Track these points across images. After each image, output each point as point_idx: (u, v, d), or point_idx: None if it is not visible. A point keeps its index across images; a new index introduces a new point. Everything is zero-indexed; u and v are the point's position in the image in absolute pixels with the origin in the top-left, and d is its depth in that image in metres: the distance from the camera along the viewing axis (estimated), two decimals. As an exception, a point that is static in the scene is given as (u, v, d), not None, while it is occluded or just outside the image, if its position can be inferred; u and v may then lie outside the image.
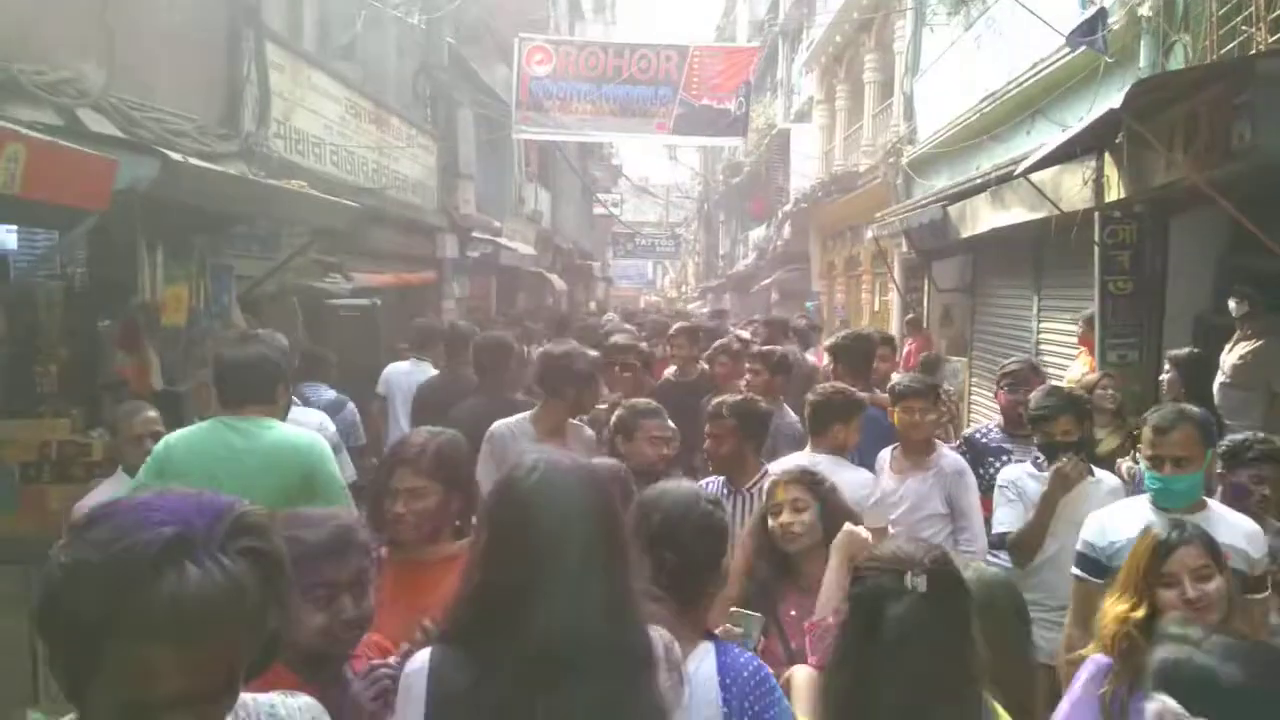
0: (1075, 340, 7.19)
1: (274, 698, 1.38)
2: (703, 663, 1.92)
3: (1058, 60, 7.68)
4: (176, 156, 4.44)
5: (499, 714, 1.64)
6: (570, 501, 1.71)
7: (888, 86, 15.35)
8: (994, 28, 9.62)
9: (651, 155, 39.83)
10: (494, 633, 1.66)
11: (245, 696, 1.31)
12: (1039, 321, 8.71)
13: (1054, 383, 4.98)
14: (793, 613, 2.66)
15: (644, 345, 6.81)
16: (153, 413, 3.73)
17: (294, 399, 4.31)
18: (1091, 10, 6.58)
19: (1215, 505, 3.13)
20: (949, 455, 4.15)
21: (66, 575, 1.07)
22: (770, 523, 2.82)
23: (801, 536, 2.78)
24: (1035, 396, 3.92)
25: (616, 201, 32.22)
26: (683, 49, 14.63)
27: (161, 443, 3.32)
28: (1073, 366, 7.03)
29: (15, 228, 5.34)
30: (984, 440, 4.73)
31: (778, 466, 3.55)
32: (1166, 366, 5.10)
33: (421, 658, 1.76)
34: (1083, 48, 6.52)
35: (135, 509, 1.11)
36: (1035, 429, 3.84)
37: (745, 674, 1.91)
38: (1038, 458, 3.87)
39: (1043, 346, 8.54)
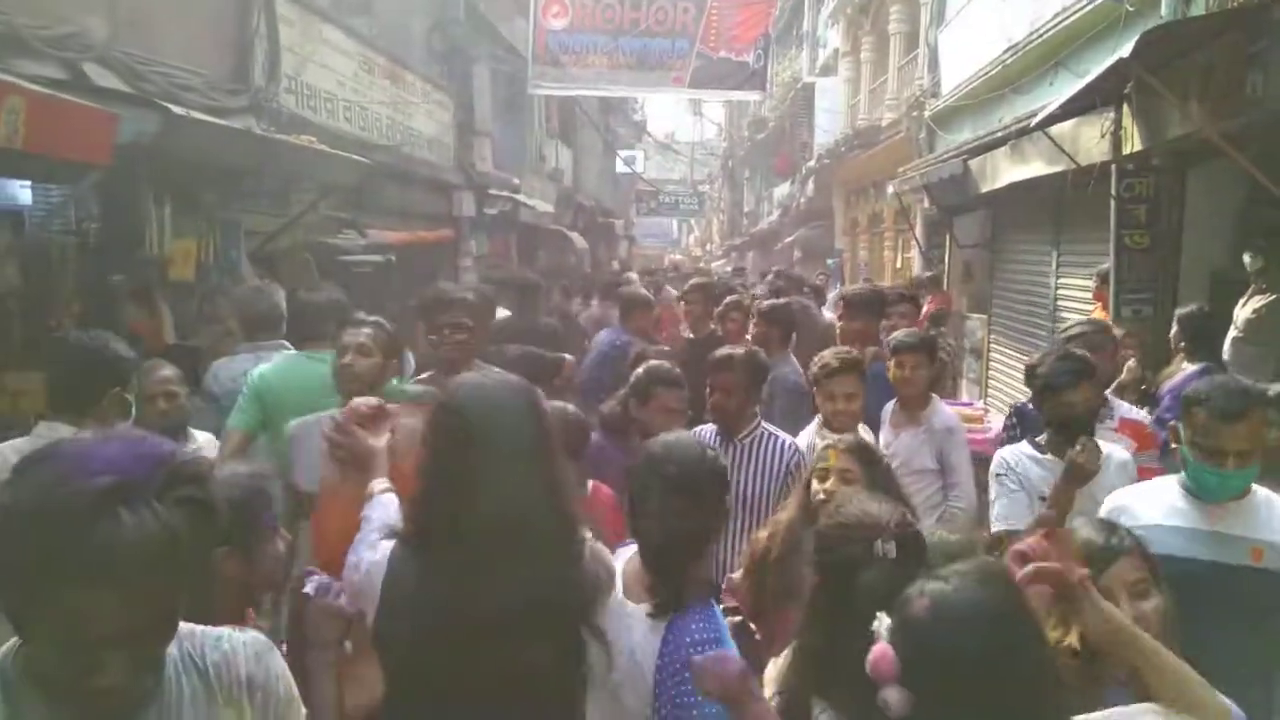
0: (1091, 296, 7.10)
1: (222, 630, 1.42)
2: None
3: (1080, 9, 7.50)
4: (179, 110, 4.47)
5: (442, 604, 1.83)
6: (498, 408, 1.93)
7: (913, 38, 15.06)
8: (1019, -25, 9.39)
9: (676, 111, 39.44)
10: (438, 532, 1.87)
11: (192, 628, 1.36)
12: (1058, 277, 8.60)
13: (1065, 342, 4.29)
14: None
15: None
16: (167, 371, 3.61)
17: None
18: (1111, -44, 6.39)
19: (1260, 491, 2.64)
20: (942, 412, 4.14)
21: (4, 517, 1.10)
22: (815, 485, 2.81)
23: None
24: (1049, 362, 3.39)
25: (640, 158, 31.98)
26: (700, 1, 14.42)
27: (256, 374, 3.71)
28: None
29: (29, 183, 5.40)
30: (1036, 412, 4.30)
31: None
32: (1174, 324, 4.98)
33: (383, 550, 1.94)
34: (1102, -4, 6.33)
35: (76, 455, 1.14)
36: (1047, 400, 3.31)
37: (685, 646, 1.98)
38: (1036, 437, 3.41)
39: (1060, 303, 8.44)
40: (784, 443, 3.64)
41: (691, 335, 6.34)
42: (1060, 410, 3.26)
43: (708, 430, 3.78)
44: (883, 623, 1.52)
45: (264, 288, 4.73)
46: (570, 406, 3.39)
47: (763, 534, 2.96)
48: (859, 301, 5.51)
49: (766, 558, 2.84)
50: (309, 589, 1.95)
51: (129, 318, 5.58)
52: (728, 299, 6.46)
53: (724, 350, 3.90)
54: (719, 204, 43.42)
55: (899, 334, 4.41)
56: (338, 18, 9.08)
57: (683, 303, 6.79)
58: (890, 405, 4.34)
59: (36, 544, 1.08)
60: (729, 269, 25.96)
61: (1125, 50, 4.67)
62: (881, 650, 1.47)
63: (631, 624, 2.08)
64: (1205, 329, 4.92)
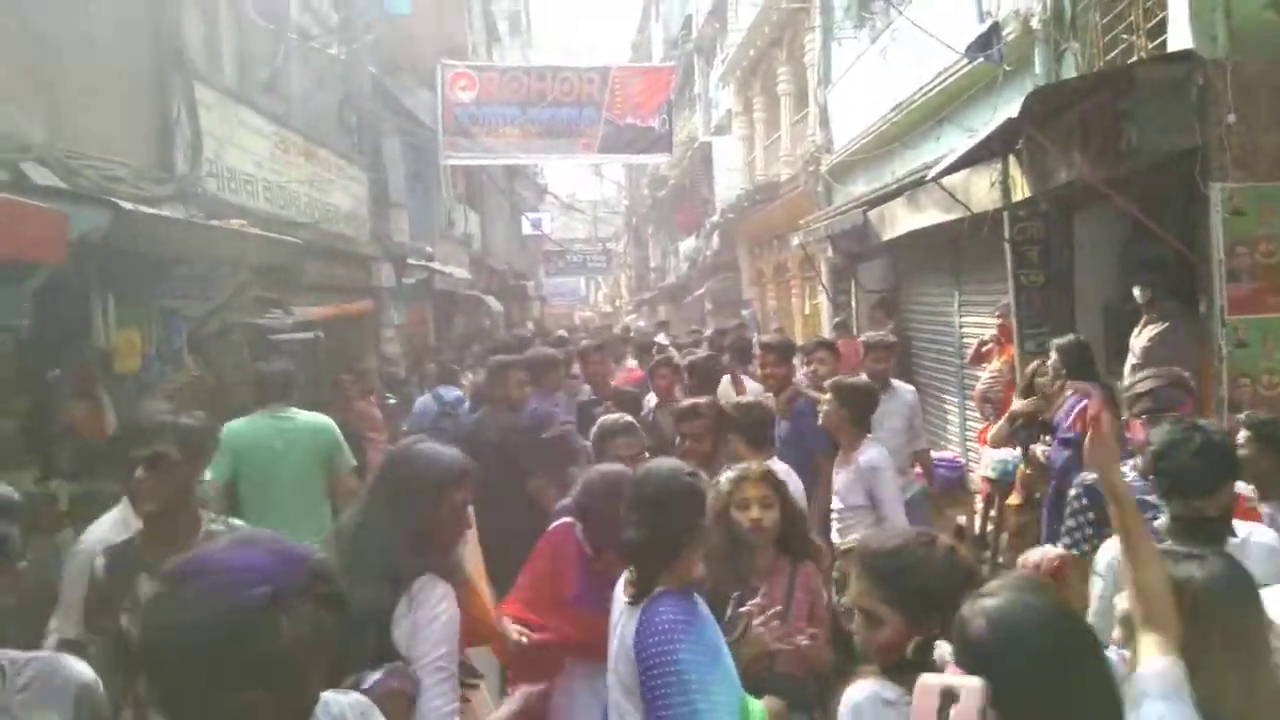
0: (995, 330, 7.60)
1: (327, 695, 1.55)
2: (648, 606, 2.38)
3: (960, 70, 8.12)
4: (127, 205, 4.53)
5: None
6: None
7: (802, 98, 15.78)
8: (899, 40, 10.07)
9: (577, 172, 40.09)
10: None
11: None
12: (960, 315, 9.14)
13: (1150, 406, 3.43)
14: (761, 592, 2.92)
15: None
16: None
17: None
18: (987, 25, 7.02)
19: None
20: (868, 451, 4.44)
21: (173, 628, 1.20)
22: (736, 515, 3.11)
23: (767, 531, 3.10)
24: (1171, 438, 2.61)
25: (546, 219, 32.37)
26: (604, 70, 14.95)
27: (226, 430, 4.18)
28: (993, 363, 7.48)
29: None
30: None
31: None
32: (1052, 354, 5.27)
33: None
34: (979, 60, 6.95)
35: (229, 567, 1.25)
36: (1174, 500, 2.56)
37: (659, 624, 2.31)
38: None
39: (965, 339, 8.97)
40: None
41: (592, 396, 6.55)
42: (1191, 514, 2.54)
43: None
44: (942, 650, 1.67)
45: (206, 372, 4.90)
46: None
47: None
48: (777, 347, 5.97)
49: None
50: (378, 675, 2.07)
51: (71, 411, 5.50)
52: (658, 357, 6.80)
53: (688, 400, 4.16)
54: (625, 260, 44.11)
55: (765, 336, 4.90)
56: (251, 98, 9.14)
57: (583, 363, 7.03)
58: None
59: (205, 653, 1.18)
60: (641, 322, 26.39)
61: (1014, 111, 5.18)
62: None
63: (621, 612, 2.49)
64: (1081, 355, 5.22)
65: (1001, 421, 6.03)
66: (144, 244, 5.04)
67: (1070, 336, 5.39)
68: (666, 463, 2.68)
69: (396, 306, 13.04)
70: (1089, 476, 3.19)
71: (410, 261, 13.32)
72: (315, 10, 12.02)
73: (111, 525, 3.23)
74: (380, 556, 2.34)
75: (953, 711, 1.13)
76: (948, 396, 9.63)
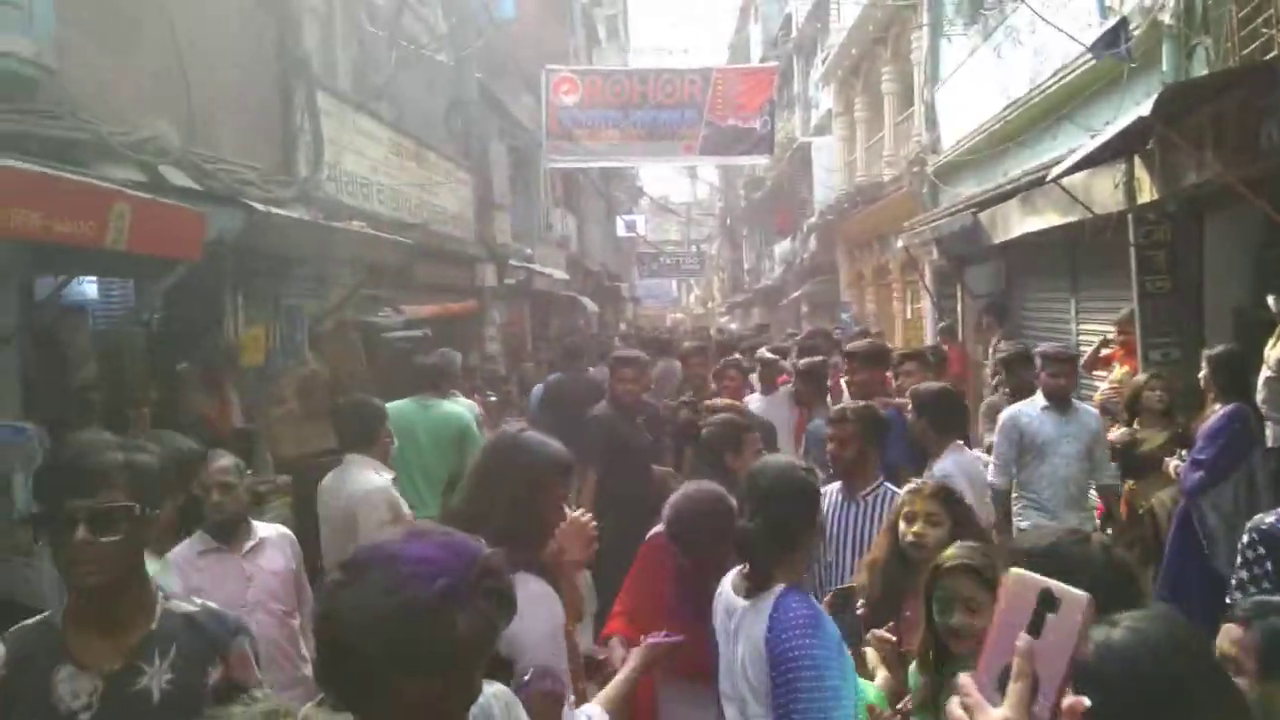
0: (1115, 336, 7.29)
1: None
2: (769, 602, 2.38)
3: (1081, 66, 7.81)
4: (260, 207, 4.72)
5: None
6: None
7: (906, 97, 15.45)
8: (1013, 36, 9.75)
9: (671, 174, 40.17)
10: None
11: None
12: (1078, 324, 8.80)
13: None
14: (906, 614, 2.85)
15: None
16: (224, 461, 3.47)
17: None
18: (1113, 20, 6.74)
19: None
20: (944, 461, 4.23)
21: (352, 617, 1.24)
22: (902, 528, 3.03)
23: (930, 549, 2.91)
24: None
25: (640, 221, 32.52)
26: (706, 72, 14.92)
27: (392, 408, 4.66)
28: (1113, 367, 7.15)
29: (95, 280, 5.65)
30: None
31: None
32: (1204, 365, 5.05)
33: None
34: (1104, 56, 6.68)
35: (410, 558, 1.27)
36: None
37: (792, 620, 2.31)
38: None
39: (1083, 349, 8.62)
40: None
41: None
42: None
43: (832, 488, 3.90)
44: None
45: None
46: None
47: (859, 578, 3.14)
48: (862, 354, 5.67)
49: (865, 597, 3.04)
50: (527, 677, 2.07)
51: (198, 404, 5.78)
52: (725, 359, 6.80)
53: (841, 404, 4.09)
54: (719, 262, 43.98)
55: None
56: (366, 105, 9.46)
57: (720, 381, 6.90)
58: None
59: (384, 644, 1.22)
60: (734, 325, 26.27)
61: (1145, 109, 4.95)
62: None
63: (736, 613, 2.49)
64: (1236, 369, 4.95)
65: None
66: (272, 244, 5.26)
67: (1223, 347, 5.06)
68: (780, 459, 2.71)
69: (498, 306, 13.29)
70: (1267, 520, 2.91)
71: (512, 263, 13.56)
72: (425, 19, 12.37)
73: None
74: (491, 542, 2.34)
75: (1049, 618, 0.94)
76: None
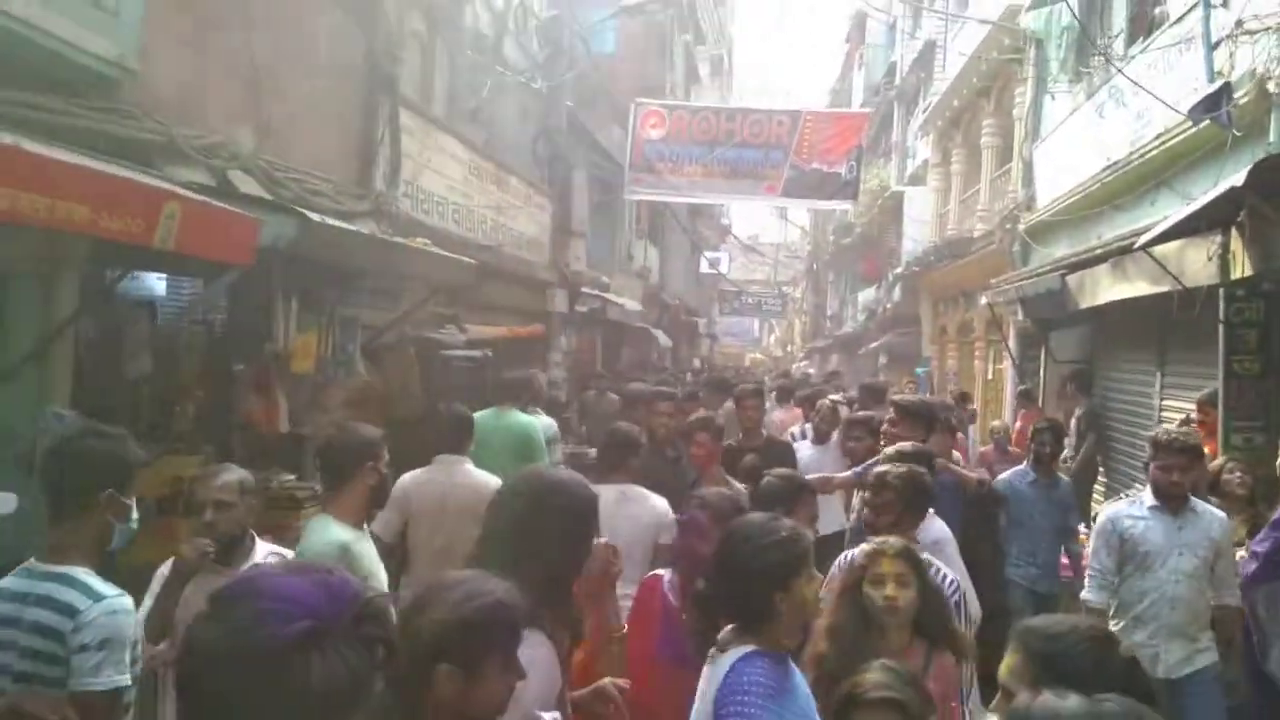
0: (1195, 420, 6.87)
1: None
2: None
3: (1183, 132, 7.47)
4: (315, 217, 4.78)
5: None
6: None
7: (1006, 151, 15.09)
8: (1116, 96, 9.42)
9: (761, 215, 40.07)
10: None
11: None
12: (1161, 399, 8.35)
13: None
14: None
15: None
16: (227, 478, 3.16)
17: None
18: (1217, 85, 6.41)
19: None
20: (929, 529, 3.94)
21: (205, 652, 1.16)
22: (869, 591, 2.89)
23: (902, 611, 2.85)
24: None
25: (725, 259, 32.44)
26: (795, 114, 14.80)
27: (478, 416, 5.03)
28: (1195, 448, 6.70)
29: (165, 276, 5.80)
30: None
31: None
32: None
33: None
34: (1206, 121, 6.34)
35: (275, 595, 1.18)
36: None
37: (744, 684, 2.19)
38: None
39: (1165, 425, 8.17)
40: (944, 576, 3.52)
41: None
42: None
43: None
44: None
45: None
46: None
47: (817, 646, 2.93)
48: (909, 409, 5.41)
49: (822, 666, 2.83)
50: None
51: (248, 406, 5.86)
52: (744, 387, 6.69)
53: (880, 469, 3.89)
54: (801, 305, 43.56)
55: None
56: (453, 126, 9.62)
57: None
58: None
59: (235, 682, 1.13)
60: (809, 371, 25.87)
61: (1238, 179, 4.65)
62: None
63: (706, 669, 2.37)
64: None
65: None
66: (328, 254, 5.31)
67: None
68: (761, 517, 2.53)
69: (566, 332, 13.31)
70: None
71: (584, 290, 13.59)
72: (526, 46, 12.59)
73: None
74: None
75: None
76: (1138, 484, 8.77)
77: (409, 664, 1.68)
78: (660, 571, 3.08)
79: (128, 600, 2.43)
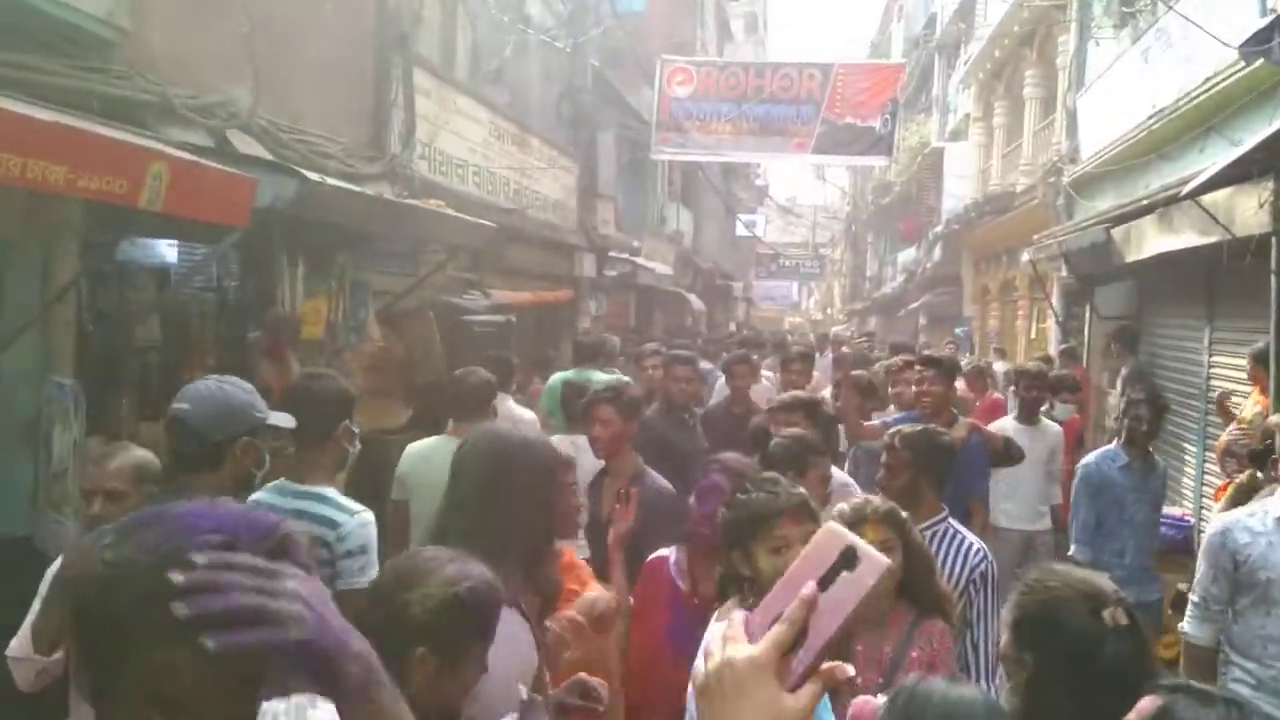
0: (1246, 376, 6.54)
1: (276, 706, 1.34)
2: None
3: (1234, 74, 7.08)
4: (314, 176, 4.64)
5: None
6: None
7: (1049, 102, 14.61)
8: (1163, 39, 8.99)
9: (799, 175, 39.44)
10: None
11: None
12: (1210, 355, 8.00)
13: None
14: (859, 648, 2.52)
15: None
16: (120, 461, 2.64)
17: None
18: (1269, 19, 6.01)
19: None
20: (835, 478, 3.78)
21: (110, 575, 1.05)
22: None
23: (888, 579, 2.61)
24: None
25: (761, 222, 31.97)
26: (826, 67, 14.34)
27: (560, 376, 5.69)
28: (1244, 406, 6.39)
29: (176, 242, 5.72)
30: None
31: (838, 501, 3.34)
32: None
33: None
34: (1260, 60, 5.94)
35: (183, 516, 1.09)
36: None
37: None
38: None
39: (1214, 383, 7.84)
40: (970, 545, 3.34)
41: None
42: None
43: None
44: None
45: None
46: None
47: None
48: (941, 363, 5.22)
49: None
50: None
51: (262, 372, 5.79)
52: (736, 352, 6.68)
53: (894, 429, 3.69)
54: (840, 267, 42.92)
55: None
56: (472, 87, 9.42)
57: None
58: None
59: (131, 600, 1.03)
60: (849, 332, 25.48)
61: (1292, 117, 4.32)
62: None
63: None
64: None
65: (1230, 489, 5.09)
66: (333, 216, 5.19)
67: None
68: (757, 478, 2.37)
69: (596, 297, 13.15)
70: None
71: (613, 254, 13.39)
72: (549, 3, 12.32)
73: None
74: (480, 557, 2.08)
75: (843, 575, 0.89)
76: (1186, 445, 8.46)
77: (385, 645, 1.57)
78: (665, 552, 2.88)
79: (370, 515, 2.79)
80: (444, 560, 1.74)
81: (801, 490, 2.34)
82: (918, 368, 5.24)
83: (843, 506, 2.69)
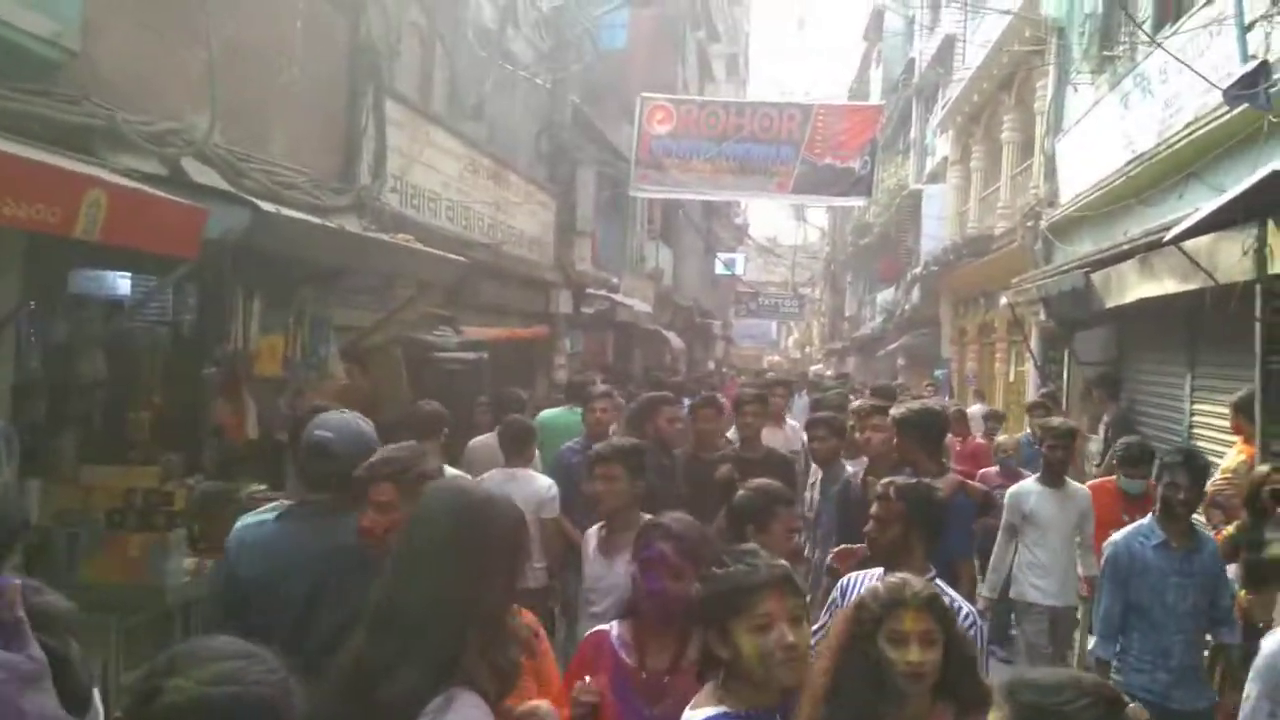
0: (1230, 426, 6.42)
1: None
2: None
3: (1215, 119, 7.04)
4: (269, 207, 4.43)
5: None
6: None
7: (1027, 146, 14.67)
8: (1143, 85, 8.99)
9: (779, 215, 39.65)
10: None
11: None
12: (1192, 403, 7.90)
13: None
14: None
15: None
16: None
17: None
18: (1252, 64, 5.97)
19: None
20: None
21: None
22: (887, 651, 2.31)
23: (928, 678, 2.27)
24: None
25: (741, 261, 31.99)
26: (806, 108, 14.35)
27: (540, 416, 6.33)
28: (1228, 456, 6.26)
29: (129, 274, 5.48)
30: None
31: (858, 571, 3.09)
32: None
33: None
34: (1243, 105, 5.90)
35: None
36: None
37: None
38: None
39: (1196, 430, 7.72)
40: (959, 609, 3.13)
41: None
42: None
43: (873, 573, 3.25)
44: None
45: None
46: None
47: (804, 712, 2.45)
48: (919, 422, 4.58)
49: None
50: None
51: (215, 411, 5.53)
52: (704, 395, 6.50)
53: (886, 479, 3.48)
54: (820, 307, 43.02)
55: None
56: (449, 121, 9.27)
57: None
58: (593, 531, 3.79)
59: None
60: (829, 372, 25.40)
61: (1278, 163, 4.21)
62: None
63: None
64: None
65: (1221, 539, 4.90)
66: (291, 248, 4.97)
67: None
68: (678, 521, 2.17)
69: (572, 335, 12.95)
70: None
71: (590, 291, 13.22)
72: (529, 37, 12.24)
73: None
74: (441, 641, 1.81)
75: None
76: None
77: None
78: (604, 627, 2.63)
79: None
80: (229, 654, 1.43)
81: (783, 562, 2.10)
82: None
83: (875, 587, 2.38)
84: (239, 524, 2.86)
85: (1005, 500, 5.66)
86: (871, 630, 2.31)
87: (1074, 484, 5.69)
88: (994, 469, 7.21)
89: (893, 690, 2.27)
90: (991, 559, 5.69)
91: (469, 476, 4.77)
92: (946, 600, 2.39)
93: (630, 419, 5.85)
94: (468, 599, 1.84)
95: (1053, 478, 5.54)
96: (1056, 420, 5.97)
